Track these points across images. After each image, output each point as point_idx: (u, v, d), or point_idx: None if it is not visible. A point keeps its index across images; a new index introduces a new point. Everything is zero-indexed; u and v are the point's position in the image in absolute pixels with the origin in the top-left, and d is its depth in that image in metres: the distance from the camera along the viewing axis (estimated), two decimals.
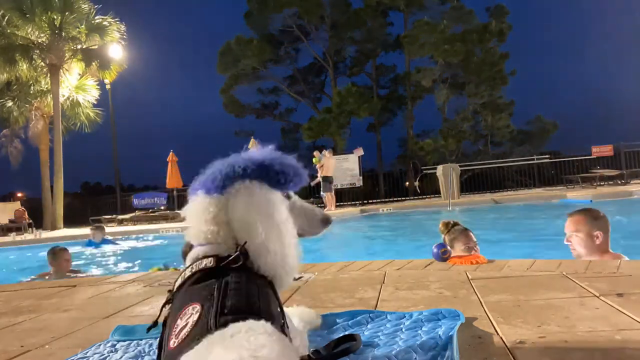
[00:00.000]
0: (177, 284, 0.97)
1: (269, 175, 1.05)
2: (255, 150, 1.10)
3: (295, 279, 1.05)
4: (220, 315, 0.80)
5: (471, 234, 3.02)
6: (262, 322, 0.79)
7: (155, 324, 0.98)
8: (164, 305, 0.97)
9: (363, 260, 2.81)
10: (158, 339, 0.94)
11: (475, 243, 2.96)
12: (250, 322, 0.78)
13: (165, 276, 2.94)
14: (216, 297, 0.85)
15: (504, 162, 18.31)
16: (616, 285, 1.71)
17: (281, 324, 0.89)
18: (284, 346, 0.76)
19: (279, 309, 0.94)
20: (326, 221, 1.26)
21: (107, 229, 13.87)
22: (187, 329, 0.81)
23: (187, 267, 0.98)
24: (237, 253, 0.96)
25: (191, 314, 0.84)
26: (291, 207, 1.14)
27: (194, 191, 1.09)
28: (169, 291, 0.98)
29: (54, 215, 17.00)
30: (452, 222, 3.12)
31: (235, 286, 0.88)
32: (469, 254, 2.80)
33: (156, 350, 1.40)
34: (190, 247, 1.05)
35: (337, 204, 16.59)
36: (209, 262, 0.96)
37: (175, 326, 0.84)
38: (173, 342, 0.81)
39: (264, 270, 0.98)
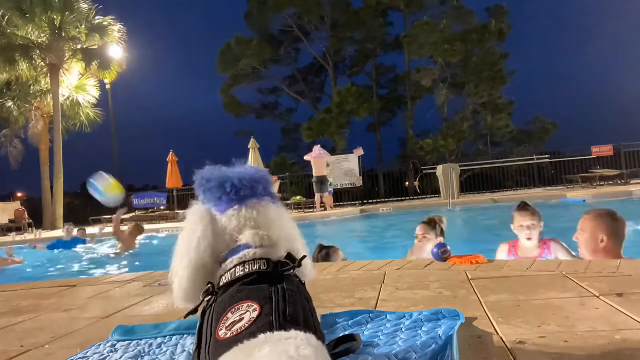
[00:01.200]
0: (224, 281, 0.99)
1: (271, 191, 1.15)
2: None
3: None
4: (283, 319, 0.85)
5: (426, 227, 3.40)
6: (315, 337, 0.83)
7: (195, 311, 1.02)
8: (205, 297, 0.99)
9: (363, 260, 2.81)
10: (197, 327, 0.97)
11: (424, 237, 3.32)
12: (308, 335, 0.82)
13: (165, 276, 2.93)
14: (275, 301, 0.89)
15: (504, 162, 18.31)
16: (616, 285, 1.71)
17: (323, 339, 0.94)
18: None
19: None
20: None
21: (108, 229, 13.88)
22: (244, 323, 0.84)
23: (236, 266, 1.00)
24: (296, 264, 1.03)
25: (247, 311, 0.87)
26: None
27: (256, 197, 1.12)
28: (212, 284, 1.01)
29: (54, 215, 17.01)
30: (435, 219, 3.47)
31: (291, 294, 0.93)
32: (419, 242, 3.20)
33: (156, 350, 1.41)
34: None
35: (337, 204, 16.59)
36: (263, 265, 1.00)
37: (226, 319, 0.88)
38: (224, 333, 0.85)
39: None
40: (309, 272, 1.13)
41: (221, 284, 0.99)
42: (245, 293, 0.93)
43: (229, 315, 0.88)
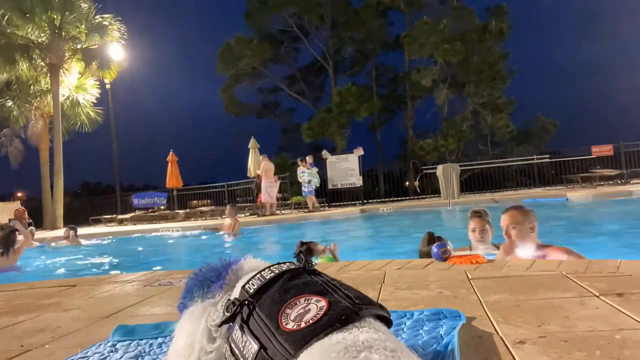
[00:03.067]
0: (256, 287, 0.95)
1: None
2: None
3: None
4: (354, 304, 0.85)
5: (484, 219, 3.50)
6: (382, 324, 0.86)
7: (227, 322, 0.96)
8: (240, 305, 0.92)
9: (363, 260, 2.81)
10: (249, 335, 0.90)
11: (485, 230, 3.42)
12: (371, 334, 0.79)
13: (165, 276, 2.94)
14: (332, 289, 0.90)
15: (504, 162, 18.31)
16: (616, 285, 1.71)
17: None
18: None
19: None
20: None
21: (107, 229, 13.90)
22: (314, 313, 0.82)
23: (260, 272, 0.98)
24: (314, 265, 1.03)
25: (308, 303, 0.86)
26: None
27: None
28: (236, 298, 0.95)
29: (54, 215, 17.01)
30: (480, 210, 3.62)
31: (338, 282, 0.95)
32: (477, 234, 3.37)
33: (156, 350, 1.41)
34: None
35: (337, 203, 16.60)
36: (290, 265, 1.00)
37: (285, 314, 0.85)
38: (294, 325, 0.82)
39: None
40: None
41: (254, 289, 0.94)
42: (294, 290, 0.91)
43: (288, 311, 0.85)
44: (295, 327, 0.81)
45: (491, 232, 3.45)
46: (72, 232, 9.30)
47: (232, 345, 0.90)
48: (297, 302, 0.86)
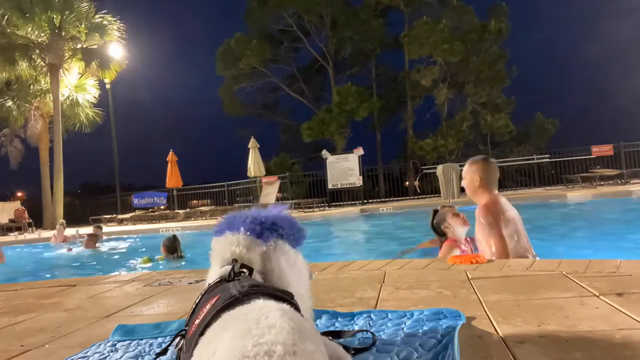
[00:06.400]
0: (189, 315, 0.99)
1: (295, 234, 1.21)
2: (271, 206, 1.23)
3: None
4: (242, 287, 0.86)
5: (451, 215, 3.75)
6: (274, 302, 0.81)
7: (164, 351, 1.04)
8: (176, 337, 0.99)
9: (363, 260, 2.81)
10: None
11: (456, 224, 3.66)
12: (267, 301, 0.80)
13: (165, 276, 2.94)
14: (231, 285, 0.91)
15: (503, 162, 18.31)
16: (616, 285, 1.71)
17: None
18: (296, 326, 0.70)
19: None
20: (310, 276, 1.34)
21: (107, 229, 13.89)
22: (206, 309, 0.86)
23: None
24: (239, 270, 1.02)
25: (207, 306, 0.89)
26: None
27: (221, 232, 1.15)
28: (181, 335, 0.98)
29: (54, 215, 17.02)
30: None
31: (245, 277, 0.96)
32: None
33: (156, 350, 1.41)
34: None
35: (337, 203, 16.61)
36: (217, 280, 1.01)
37: (193, 325, 0.88)
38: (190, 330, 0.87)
39: None
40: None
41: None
42: (204, 300, 0.94)
43: (197, 321, 0.87)
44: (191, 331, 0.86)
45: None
46: (100, 231, 9.89)
47: None
48: (203, 311, 0.89)
